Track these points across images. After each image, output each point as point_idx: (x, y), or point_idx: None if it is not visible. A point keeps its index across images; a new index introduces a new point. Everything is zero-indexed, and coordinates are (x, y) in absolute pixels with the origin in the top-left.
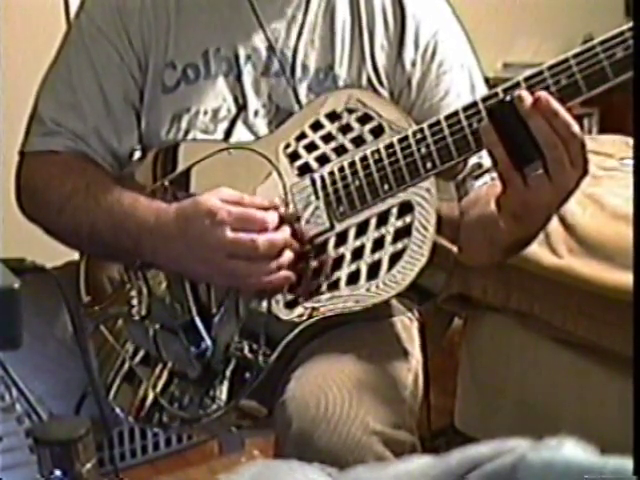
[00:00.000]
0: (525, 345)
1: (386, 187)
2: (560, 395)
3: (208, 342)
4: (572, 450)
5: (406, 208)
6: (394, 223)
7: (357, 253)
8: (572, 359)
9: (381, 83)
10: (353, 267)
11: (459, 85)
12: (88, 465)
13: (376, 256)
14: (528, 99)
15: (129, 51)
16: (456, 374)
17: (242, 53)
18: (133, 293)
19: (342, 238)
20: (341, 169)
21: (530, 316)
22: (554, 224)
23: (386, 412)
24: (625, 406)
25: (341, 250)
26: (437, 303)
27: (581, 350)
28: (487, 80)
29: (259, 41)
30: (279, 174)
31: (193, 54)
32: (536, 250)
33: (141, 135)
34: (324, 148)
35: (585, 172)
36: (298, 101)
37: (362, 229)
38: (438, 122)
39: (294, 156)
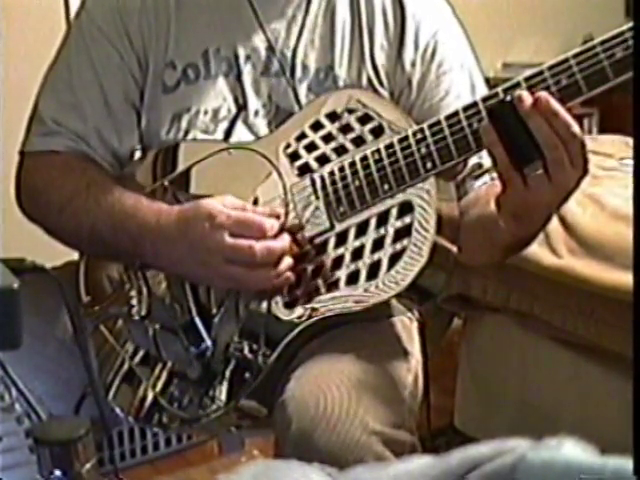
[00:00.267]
0: (525, 345)
1: (386, 187)
2: (560, 395)
3: (208, 342)
4: (572, 450)
5: (406, 208)
6: (394, 223)
7: (357, 253)
8: (572, 359)
9: (381, 83)
10: (353, 267)
11: (459, 85)
12: (88, 465)
13: (376, 256)
14: (528, 99)
15: (129, 51)
16: (456, 374)
17: (242, 53)
18: (133, 293)
19: (342, 238)
20: (341, 169)
21: (530, 316)
22: (554, 224)
23: (386, 412)
24: (625, 406)
25: (341, 250)
26: (437, 303)
27: (581, 350)
28: (487, 80)
29: (259, 41)
30: (279, 174)
31: (193, 54)
32: (536, 250)
33: (141, 135)
34: (324, 148)
35: (585, 172)
36: (298, 101)
37: (362, 229)
38: (438, 122)
39: (294, 156)
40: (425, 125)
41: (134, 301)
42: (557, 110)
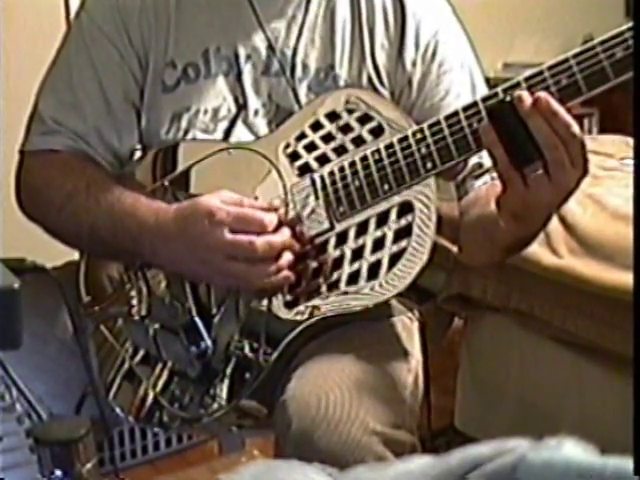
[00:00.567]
0: (525, 345)
1: (386, 187)
2: (560, 395)
3: (208, 342)
4: (572, 450)
5: (406, 208)
6: (394, 223)
7: (357, 253)
8: (572, 359)
9: (382, 83)
10: (353, 267)
11: (459, 85)
12: (88, 465)
13: (376, 256)
14: (528, 99)
15: (129, 50)
16: (456, 374)
17: (242, 52)
18: (133, 293)
19: (342, 238)
20: (341, 169)
21: (530, 316)
22: (554, 224)
23: (386, 412)
24: (625, 406)
25: (341, 250)
26: (437, 303)
27: (581, 350)
28: (487, 80)
29: (259, 41)
30: (279, 174)
31: (193, 53)
32: (536, 250)
33: (141, 134)
34: (324, 148)
35: (585, 172)
36: (298, 101)
37: (362, 229)
38: (438, 122)
39: (294, 156)
40: (425, 125)
41: (134, 301)
42: (557, 110)
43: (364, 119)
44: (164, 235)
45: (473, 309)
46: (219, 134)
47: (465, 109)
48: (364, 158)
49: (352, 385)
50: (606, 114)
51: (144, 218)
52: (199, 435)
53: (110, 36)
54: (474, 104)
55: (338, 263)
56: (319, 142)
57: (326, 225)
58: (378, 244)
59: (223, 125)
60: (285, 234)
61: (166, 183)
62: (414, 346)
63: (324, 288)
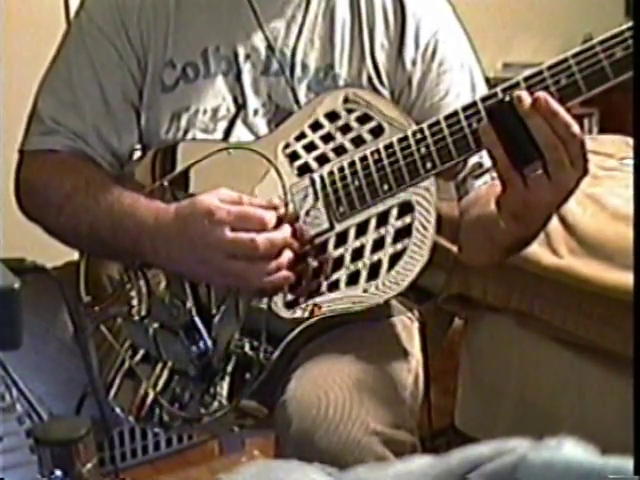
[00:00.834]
0: (525, 345)
1: (386, 187)
2: (560, 395)
3: (208, 341)
4: (572, 450)
5: (406, 208)
6: (394, 223)
7: (357, 253)
8: (572, 359)
9: (382, 82)
10: (353, 267)
11: (459, 84)
12: (89, 465)
13: (376, 256)
14: (527, 99)
15: (128, 50)
16: (456, 374)
17: (241, 52)
18: (133, 293)
19: (342, 238)
20: (341, 169)
21: (530, 316)
22: (554, 224)
23: (386, 412)
24: (625, 406)
25: (341, 250)
26: (437, 303)
27: (581, 350)
28: (487, 80)
29: (258, 40)
30: (278, 174)
31: (192, 53)
32: (536, 250)
33: (141, 134)
34: (323, 148)
35: (585, 172)
36: (297, 101)
37: (362, 229)
38: (438, 122)
39: (293, 156)
40: (425, 125)
41: (134, 301)
42: (556, 110)
43: (364, 119)
44: (164, 235)
45: (473, 309)
46: (219, 134)
47: (465, 109)
48: (364, 158)
49: (352, 385)
50: (606, 114)
51: (143, 218)
52: (199, 435)
53: (109, 36)
54: (474, 104)
55: (338, 263)
56: (319, 142)
57: (326, 225)
58: (378, 244)
59: (222, 125)
60: (286, 231)
61: (165, 183)
62: (414, 346)
63: (324, 288)
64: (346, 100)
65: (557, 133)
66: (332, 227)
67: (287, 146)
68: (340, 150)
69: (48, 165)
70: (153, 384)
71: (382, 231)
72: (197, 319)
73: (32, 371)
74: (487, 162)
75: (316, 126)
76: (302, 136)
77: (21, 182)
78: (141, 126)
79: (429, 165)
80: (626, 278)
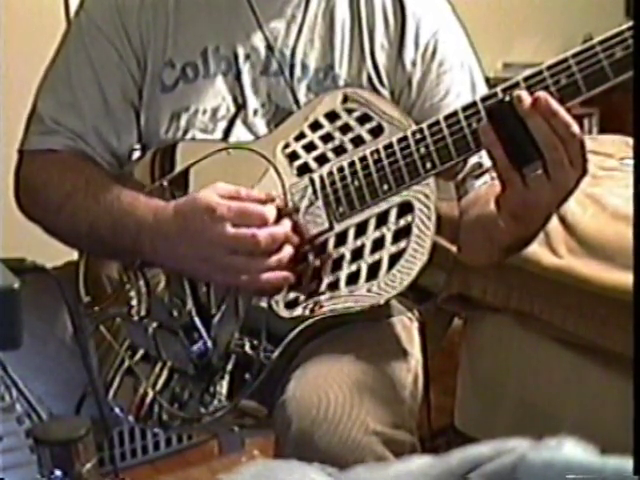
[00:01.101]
0: (525, 345)
1: (385, 187)
2: (560, 395)
3: (208, 341)
4: (572, 450)
5: (406, 208)
6: (394, 223)
7: (357, 253)
8: (572, 359)
9: (381, 83)
10: (353, 267)
11: (459, 84)
12: (88, 465)
13: (376, 256)
14: (527, 99)
15: (128, 50)
16: (456, 374)
17: (241, 52)
18: (133, 293)
19: (342, 238)
20: (340, 169)
21: (530, 316)
22: (554, 224)
23: (386, 412)
24: (625, 406)
25: (341, 250)
26: (437, 303)
27: (581, 350)
28: (487, 80)
29: (258, 40)
30: (278, 174)
31: (192, 53)
32: (536, 250)
33: (140, 134)
34: (323, 148)
35: (585, 172)
36: (297, 101)
37: (362, 229)
38: (437, 122)
39: (293, 156)
40: (424, 125)
41: (134, 301)
42: (556, 110)
43: (363, 119)
44: (164, 233)
45: (473, 309)
46: (218, 134)
47: (464, 109)
48: (363, 158)
49: (352, 385)
50: (606, 114)
51: (143, 216)
52: (199, 435)
53: (109, 36)
54: (473, 104)
55: (338, 263)
56: (318, 142)
57: (325, 225)
58: (378, 244)
59: (222, 125)
60: (286, 225)
61: (165, 183)
62: (414, 346)
63: (324, 288)
64: (346, 100)
65: (557, 133)
66: (332, 227)
67: (287, 146)
68: (340, 150)
69: (48, 165)
70: (153, 384)
71: (382, 231)
72: (197, 319)
73: (32, 371)
74: (487, 162)
75: (316, 126)
76: (302, 136)
77: (21, 182)
78: (140, 126)
79: (429, 165)
80: (626, 278)
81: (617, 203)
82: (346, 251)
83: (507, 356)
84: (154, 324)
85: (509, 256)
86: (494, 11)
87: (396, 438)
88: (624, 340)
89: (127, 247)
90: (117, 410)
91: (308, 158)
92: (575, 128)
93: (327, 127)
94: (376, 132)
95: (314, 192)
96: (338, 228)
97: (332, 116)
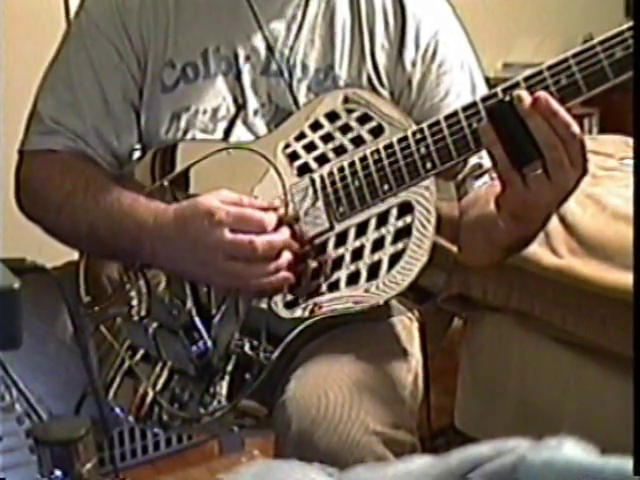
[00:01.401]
0: (525, 345)
1: (386, 187)
2: (560, 395)
3: (208, 341)
4: (572, 450)
5: (406, 208)
6: (394, 223)
7: (357, 253)
8: (572, 359)
9: (381, 83)
10: (353, 267)
11: (460, 85)
12: (88, 465)
13: (376, 256)
14: (527, 99)
15: (128, 50)
16: (456, 374)
17: (241, 52)
18: (133, 293)
19: (342, 238)
20: (340, 169)
21: (530, 316)
22: (554, 224)
23: (386, 412)
24: (625, 406)
25: (341, 250)
26: (437, 303)
27: (581, 350)
28: (487, 80)
29: (258, 41)
30: (278, 174)
31: (192, 53)
32: (536, 250)
33: (140, 134)
34: (323, 148)
35: (585, 172)
36: (297, 101)
37: (362, 229)
38: (437, 122)
39: (293, 156)
40: (424, 125)
41: (134, 301)
42: (556, 110)
43: (364, 119)
44: (163, 236)
45: (473, 309)
46: (219, 134)
47: (465, 109)
48: (363, 158)
49: (352, 385)
50: (606, 114)
51: (143, 218)
52: (199, 435)
53: (109, 36)
54: (473, 104)
55: (338, 263)
56: (318, 142)
57: (326, 225)
58: (378, 244)
59: (222, 125)
60: (285, 233)
61: (165, 183)
62: (414, 346)
63: (324, 288)
64: (346, 100)
65: (557, 133)
66: (332, 227)
67: (287, 146)
68: (340, 150)
69: (48, 165)
70: (153, 384)
71: (382, 231)
72: (197, 319)
73: (32, 371)
74: (487, 163)
75: (316, 126)
76: (302, 136)
77: (21, 182)
78: (141, 126)
79: (429, 165)
80: (626, 278)
81: (617, 203)
82: (346, 251)
83: (507, 356)
84: (154, 324)
85: (509, 256)
86: (494, 11)
87: (396, 438)
88: (624, 340)
89: (127, 248)
90: (117, 410)
91: (308, 158)
92: (575, 128)
93: (327, 127)
94: (376, 132)
95: (314, 192)
96: (338, 228)
97: (332, 116)
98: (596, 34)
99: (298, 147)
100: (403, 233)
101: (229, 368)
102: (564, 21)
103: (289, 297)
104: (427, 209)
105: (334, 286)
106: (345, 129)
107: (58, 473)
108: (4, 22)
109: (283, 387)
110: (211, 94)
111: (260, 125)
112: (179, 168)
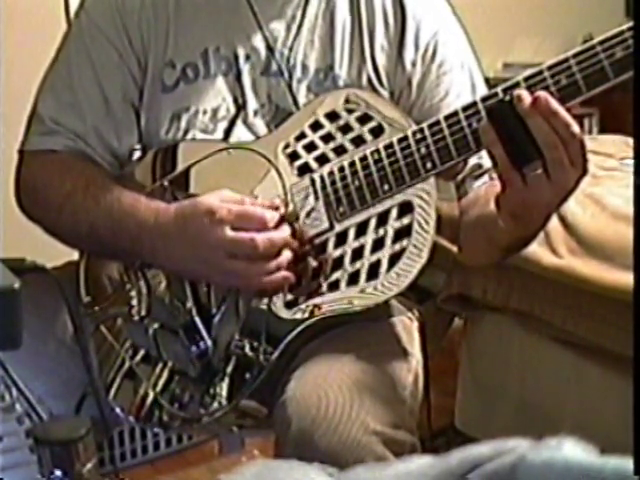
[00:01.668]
0: (525, 345)
1: (386, 187)
2: (560, 395)
3: (208, 342)
4: (572, 450)
5: (406, 208)
6: (394, 223)
7: (357, 253)
8: (572, 359)
9: (381, 83)
10: (353, 267)
11: (459, 85)
12: (88, 465)
13: (376, 256)
14: (527, 99)
15: (128, 50)
16: (456, 374)
17: (241, 53)
18: (133, 293)
19: (342, 238)
20: (341, 169)
21: (530, 316)
22: (554, 224)
23: (386, 412)
24: (625, 406)
25: (341, 250)
26: (437, 303)
27: (581, 350)
28: (487, 80)
29: (258, 41)
30: (278, 174)
31: (192, 53)
32: (536, 250)
33: (141, 134)
34: (324, 148)
35: (584, 172)
36: (297, 101)
37: (362, 229)
38: (438, 122)
39: (293, 156)
40: (425, 125)
41: (134, 301)
42: (556, 110)
43: (364, 119)
44: (164, 235)
45: (473, 309)
46: (219, 134)
47: (465, 109)
48: (364, 158)
49: (352, 385)
50: (606, 114)
51: (144, 218)
52: (199, 435)
53: (109, 36)
54: (473, 104)
55: (338, 263)
56: (319, 142)
57: (326, 225)
58: (378, 244)
59: (223, 125)
60: (285, 231)
61: (165, 183)
62: (414, 346)
63: (324, 288)
64: (346, 100)
65: (557, 132)
66: (332, 227)
67: (287, 146)
68: (340, 150)
69: (48, 165)
70: (153, 384)
71: (382, 231)
72: (197, 319)
73: (32, 371)
74: (487, 163)
75: (316, 126)
76: (302, 136)
77: (21, 182)
78: (141, 126)
79: (429, 165)
80: (626, 278)
81: (617, 203)
82: (346, 251)
83: (507, 356)
84: (155, 324)
85: (509, 256)
86: (494, 11)
87: (396, 438)
88: (624, 340)
89: (127, 248)
90: (117, 410)
91: (309, 158)
92: (575, 128)
93: (328, 127)
94: (376, 132)
95: (314, 192)
96: (338, 228)
97: (333, 116)
98: (596, 34)
99: (298, 147)
100: (403, 233)
101: (229, 368)
102: (564, 21)
103: (289, 297)
104: (427, 209)
105: (334, 286)
106: (345, 129)
107: (58, 473)
108: (4, 22)
109: (283, 387)
110: (211, 94)
111: (260, 125)
112: (180, 168)
